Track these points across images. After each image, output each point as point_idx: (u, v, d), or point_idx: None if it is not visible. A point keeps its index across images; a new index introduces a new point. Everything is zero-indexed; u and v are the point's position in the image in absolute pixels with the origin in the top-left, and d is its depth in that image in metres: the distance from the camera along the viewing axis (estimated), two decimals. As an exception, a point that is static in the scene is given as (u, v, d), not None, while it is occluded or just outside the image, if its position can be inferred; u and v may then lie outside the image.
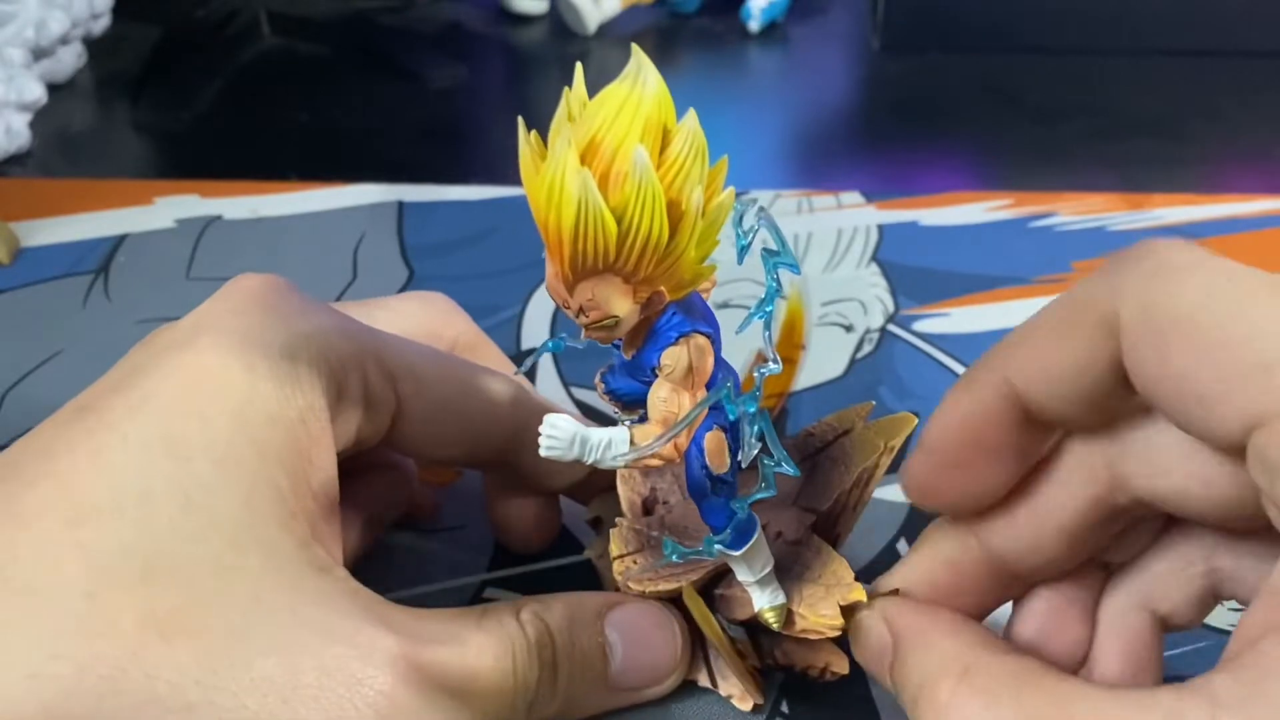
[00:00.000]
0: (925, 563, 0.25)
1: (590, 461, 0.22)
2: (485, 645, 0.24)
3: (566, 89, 0.21)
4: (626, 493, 0.29)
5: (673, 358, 0.22)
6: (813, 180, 0.54)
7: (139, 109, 0.64)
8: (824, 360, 0.41)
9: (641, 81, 0.20)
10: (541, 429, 0.22)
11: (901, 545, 0.34)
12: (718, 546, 0.24)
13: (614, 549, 0.28)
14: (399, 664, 0.23)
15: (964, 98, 0.63)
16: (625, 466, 0.23)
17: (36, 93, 0.59)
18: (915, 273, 0.46)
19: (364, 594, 0.24)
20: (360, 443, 0.27)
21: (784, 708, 0.29)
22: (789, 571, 0.27)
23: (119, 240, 0.49)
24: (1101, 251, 0.47)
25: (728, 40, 0.70)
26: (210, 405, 0.24)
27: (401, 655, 0.23)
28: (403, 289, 0.46)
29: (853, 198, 0.51)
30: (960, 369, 0.41)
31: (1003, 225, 0.49)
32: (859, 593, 0.25)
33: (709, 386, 0.23)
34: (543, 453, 0.22)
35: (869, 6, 0.71)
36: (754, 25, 0.69)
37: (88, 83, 0.65)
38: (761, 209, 0.23)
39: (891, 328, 0.43)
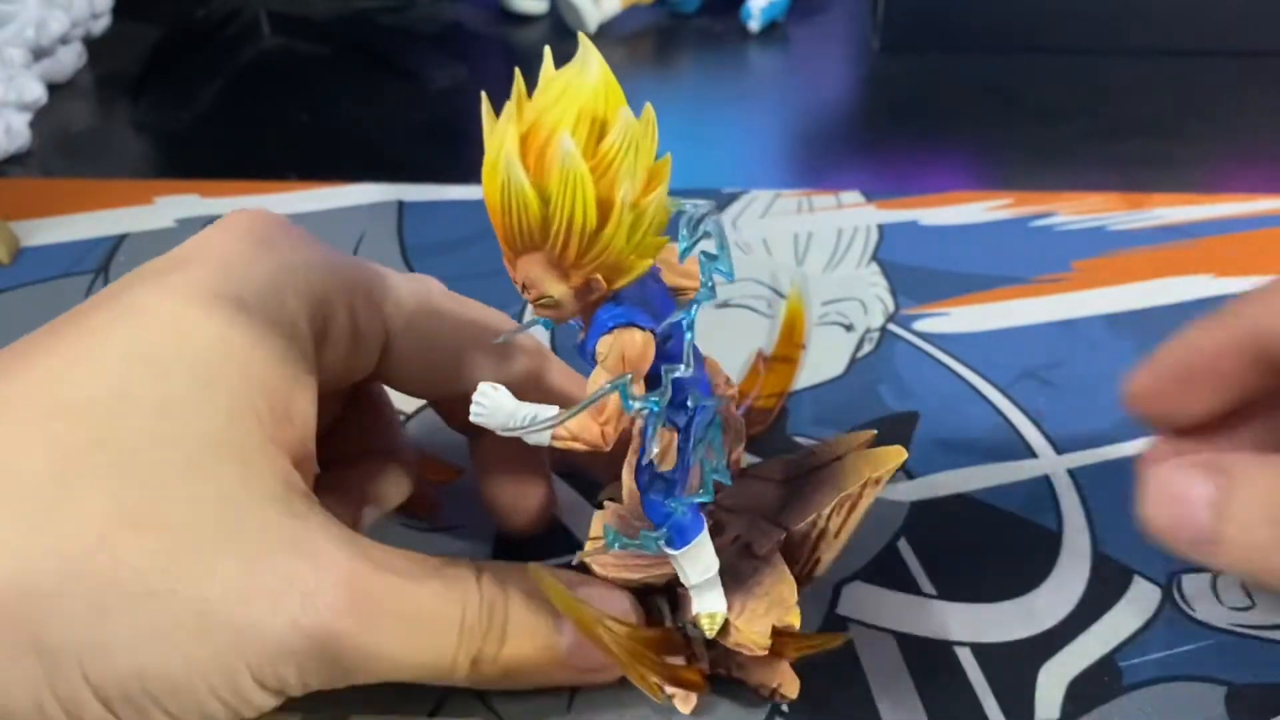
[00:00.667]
0: (1180, 347, 0.24)
1: (516, 433, 0.23)
2: (439, 590, 0.25)
3: (519, 71, 0.21)
4: (628, 480, 0.29)
5: (605, 346, 0.22)
6: (813, 180, 0.54)
7: (139, 109, 0.64)
8: (824, 360, 0.41)
9: (584, 71, 0.21)
10: (474, 395, 0.23)
11: (902, 544, 0.34)
12: (656, 543, 0.25)
13: (592, 529, 0.28)
14: (353, 585, 0.23)
15: (964, 98, 0.63)
16: (548, 444, 0.23)
17: (37, 92, 0.59)
18: (915, 272, 0.46)
19: (334, 522, 0.25)
20: (348, 375, 0.28)
21: (784, 707, 0.29)
22: (742, 584, 0.27)
23: (119, 240, 0.49)
24: (1101, 251, 0.47)
25: (728, 40, 0.70)
26: (195, 329, 0.24)
27: (356, 578, 0.24)
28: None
29: (853, 197, 0.51)
30: (960, 369, 0.41)
31: (1003, 225, 0.49)
32: (795, 616, 0.25)
33: (653, 380, 0.23)
34: (471, 418, 0.23)
35: (869, 6, 0.71)
36: (754, 25, 0.69)
37: (88, 82, 0.65)
38: (711, 215, 0.23)
39: (891, 327, 0.43)
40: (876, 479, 0.26)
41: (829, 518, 0.27)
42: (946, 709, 0.29)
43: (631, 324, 0.22)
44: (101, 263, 0.48)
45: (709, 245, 0.23)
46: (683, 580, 0.26)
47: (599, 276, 0.22)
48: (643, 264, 0.22)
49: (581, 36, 0.21)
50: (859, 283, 0.45)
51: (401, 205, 0.51)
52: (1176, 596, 0.32)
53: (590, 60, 0.21)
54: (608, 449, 0.23)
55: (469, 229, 0.49)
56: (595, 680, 0.28)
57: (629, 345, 0.22)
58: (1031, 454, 0.37)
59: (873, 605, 0.32)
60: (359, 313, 0.27)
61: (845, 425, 0.38)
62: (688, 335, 0.23)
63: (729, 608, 0.27)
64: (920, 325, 0.43)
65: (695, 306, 0.23)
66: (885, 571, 0.33)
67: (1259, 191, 0.52)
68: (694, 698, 0.28)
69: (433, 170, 0.53)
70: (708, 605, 0.26)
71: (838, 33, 0.72)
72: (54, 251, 0.48)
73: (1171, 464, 0.22)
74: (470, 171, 0.55)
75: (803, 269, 0.46)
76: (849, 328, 0.43)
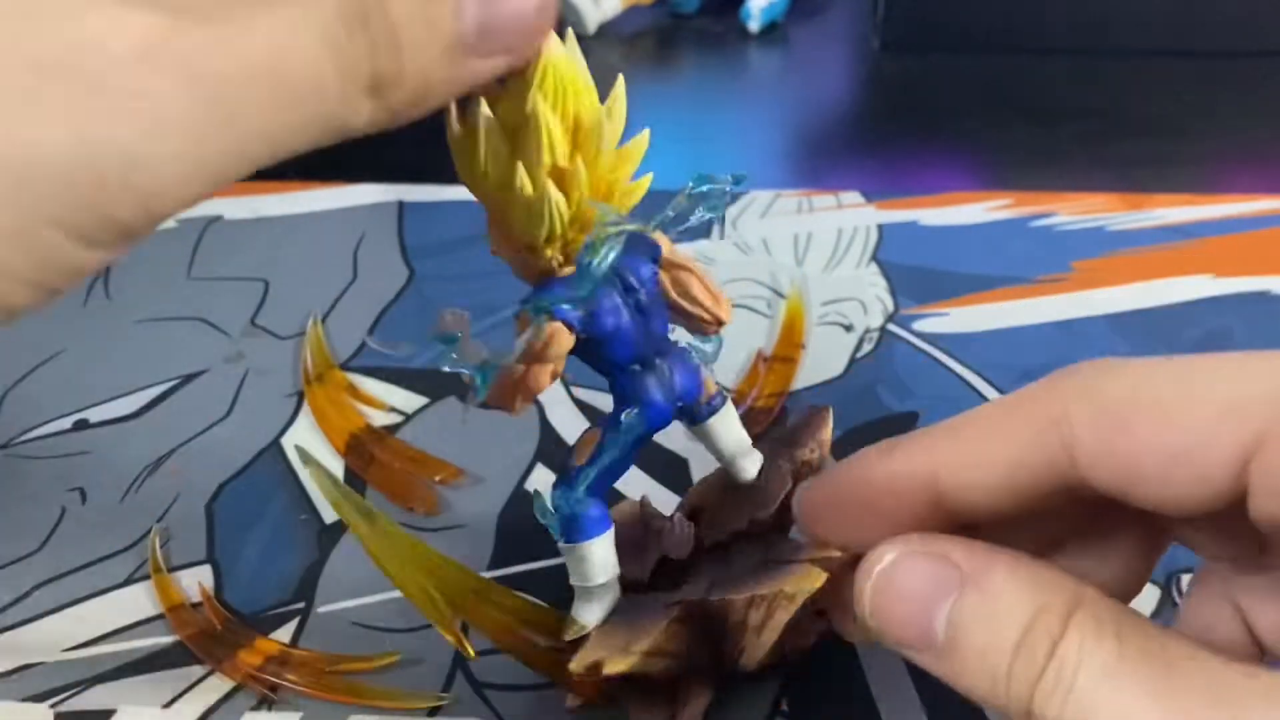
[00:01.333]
0: (849, 473, 0.22)
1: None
2: (277, 26, 0.18)
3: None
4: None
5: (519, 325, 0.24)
6: (813, 180, 0.54)
7: (139, 109, 0.64)
8: (823, 360, 0.41)
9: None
10: None
11: (901, 545, 0.34)
12: (551, 526, 0.26)
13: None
14: (163, 54, 0.17)
15: (964, 98, 0.63)
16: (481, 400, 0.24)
17: (37, 93, 0.59)
18: (915, 272, 0.46)
19: None
20: None
21: (784, 707, 0.29)
22: (633, 624, 0.26)
23: (119, 240, 0.49)
24: (1101, 252, 0.47)
25: (728, 40, 0.70)
26: None
27: (166, 40, 0.17)
28: (403, 289, 0.46)
29: (853, 197, 0.51)
30: (960, 369, 0.41)
31: (1003, 225, 0.49)
32: (622, 665, 0.25)
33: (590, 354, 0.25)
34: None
35: (869, 6, 0.71)
36: (754, 25, 0.70)
37: (88, 83, 0.65)
38: (614, 244, 0.23)
39: (891, 327, 0.43)
40: (790, 594, 0.25)
41: (746, 610, 0.26)
42: (946, 709, 0.29)
43: (531, 304, 0.23)
44: (102, 263, 0.48)
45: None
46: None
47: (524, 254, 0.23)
48: (538, 255, 0.23)
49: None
50: (859, 283, 0.45)
51: (402, 205, 0.51)
52: (1175, 596, 0.32)
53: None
54: (514, 413, 0.24)
55: (469, 229, 0.49)
56: (506, 67, 0.21)
57: (521, 324, 0.24)
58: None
59: (872, 605, 0.32)
60: None
61: (845, 425, 0.38)
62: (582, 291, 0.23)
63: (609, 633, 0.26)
64: (920, 325, 0.43)
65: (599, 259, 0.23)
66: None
67: (1259, 191, 0.52)
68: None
69: (433, 170, 0.53)
70: (578, 611, 0.27)
71: (838, 33, 0.72)
72: (54, 252, 0.48)
73: (898, 547, 0.20)
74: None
75: (802, 269, 0.46)
76: (849, 328, 0.43)
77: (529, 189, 0.22)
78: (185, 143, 0.18)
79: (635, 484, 0.36)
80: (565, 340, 0.24)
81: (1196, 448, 0.18)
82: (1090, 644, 0.17)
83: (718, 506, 0.30)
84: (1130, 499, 0.19)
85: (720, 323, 0.26)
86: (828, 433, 0.29)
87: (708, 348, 0.27)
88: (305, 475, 0.37)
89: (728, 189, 0.24)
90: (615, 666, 0.25)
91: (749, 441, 0.28)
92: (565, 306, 0.23)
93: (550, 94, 0.22)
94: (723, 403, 0.27)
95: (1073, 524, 0.22)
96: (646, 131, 0.24)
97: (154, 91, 0.17)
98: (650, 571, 0.29)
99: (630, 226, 0.23)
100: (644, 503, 0.31)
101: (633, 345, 0.25)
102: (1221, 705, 0.16)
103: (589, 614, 0.27)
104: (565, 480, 0.26)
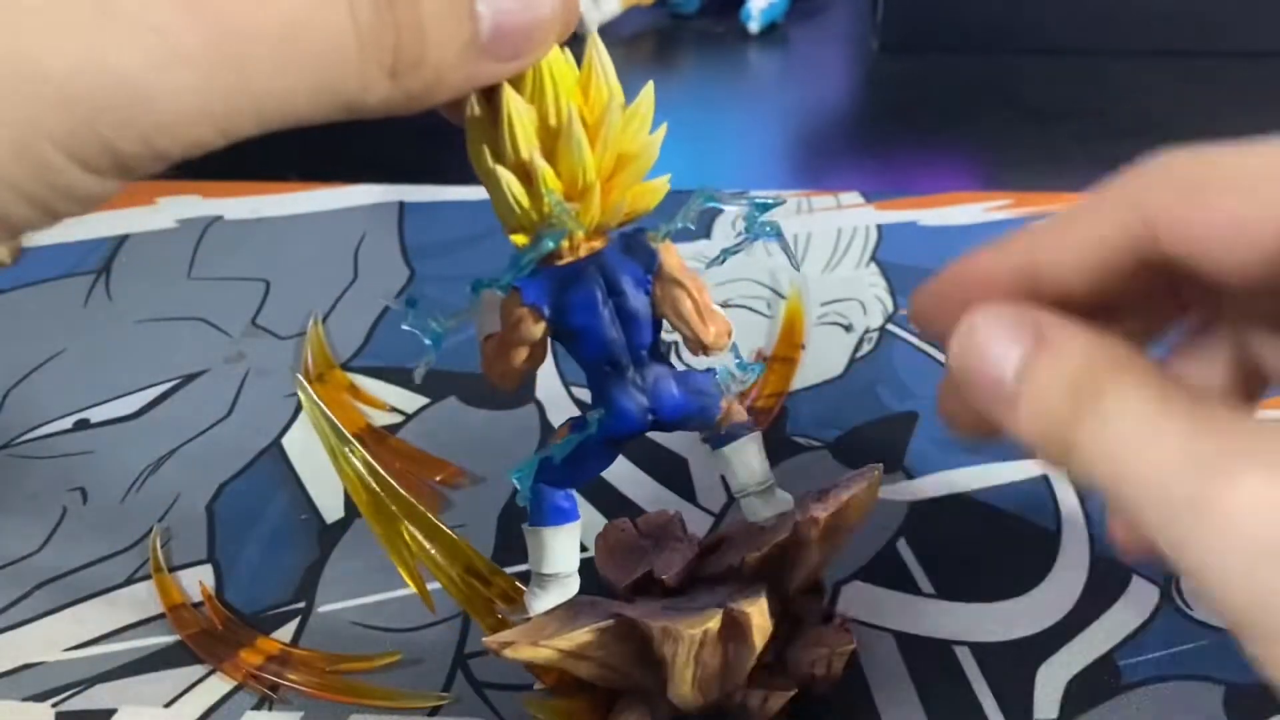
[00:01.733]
0: (959, 269, 0.24)
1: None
2: None
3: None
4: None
5: None
6: (812, 180, 0.54)
7: (140, 109, 0.64)
8: (823, 360, 0.41)
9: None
10: None
11: (901, 544, 0.34)
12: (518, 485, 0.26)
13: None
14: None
15: (964, 98, 0.63)
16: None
17: (38, 93, 0.59)
18: (915, 273, 0.46)
19: None
20: None
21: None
22: (568, 620, 0.26)
23: (120, 240, 0.49)
24: (1101, 251, 0.47)
25: (728, 41, 0.70)
26: None
27: None
28: (403, 289, 0.46)
29: (852, 198, 0.51)
30: (960, 369, 0.41)
31: (1002, 225, 0.49)
32: (521, 654, 0.25)
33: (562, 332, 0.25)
34: None
35: (869, 7, 0.71)
36: (754, 26, 0.70)
37: (89, 83, 0.65)
38: (540, 244, 0.24)
39: (891, 327, 0.43)
40: (676, 634, 0.25)
41: (662, 641, 0.26)
42: (945, 708, 0.29)
43: (476, 285, 0.24)
44: (103, 263, 0.48)
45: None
46: None
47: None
48: (522, 239, 0.24)
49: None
50: (858, 283, 0.45)
51: (402, 205, 0.51)
52: (1175, 595, 0.32)
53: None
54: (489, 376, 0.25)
55: (470, 229, 0.49)
56: (522, 67, 0.22)
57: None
58: (1030, 454, 0.37)
59: (872, 605, 0.32)
60: None
61: (845, 425, 0.38)
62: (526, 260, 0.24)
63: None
64: (920, 325, 0.43)
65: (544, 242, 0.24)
66: (884, 571, 0.33)
67: (1258, 192, 0.52)
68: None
69: (434, 171, 0.54)
70: (528, 596, 0.27)
71: (837, 33, 0.72)
72: (56, 252, 0.49)
73: (987, 312, 0.21)
74: (471, 172, 0.55)
75: (802, 270, 0.46)
76: (848, 328, 0.43)
77: (493, 176, 0.23)
78: (193, 80, 0.17)
79: (637, 483, 0.36)
80: (530, 325, 0.24)
81: (1254, 217, 0.19)
82: (1134, 394, 0.18)
83: (732, 540, 0.29)
84: (1201, 269, 0.20)
85: (704, 346, 0.25)
86: (864, 495, 0.28)
87: (744, 375, 0.26)
88: (306, 473, 0.37)
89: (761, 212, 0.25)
90: (520, 653, 0.25)
91: (766, 480, 0.27)
92: (534, 291, 0.24)
93: (529, 89, 0.23)
94: (744, 433, 0.27)
95: (1156, 315, 0.24)
96: (663, 128, 0.24)
97: (167, 26, 0.17)
98: (633, 583, 0.29)
99: (569, 226, 0.23)
100: (675, 519, 0.31)
101: (603, 346, 0.25)
102: (1260, 454, 0.17)
103: (535, 601, 0.27)
104: (528, 461, 0.26)
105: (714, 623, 0.25)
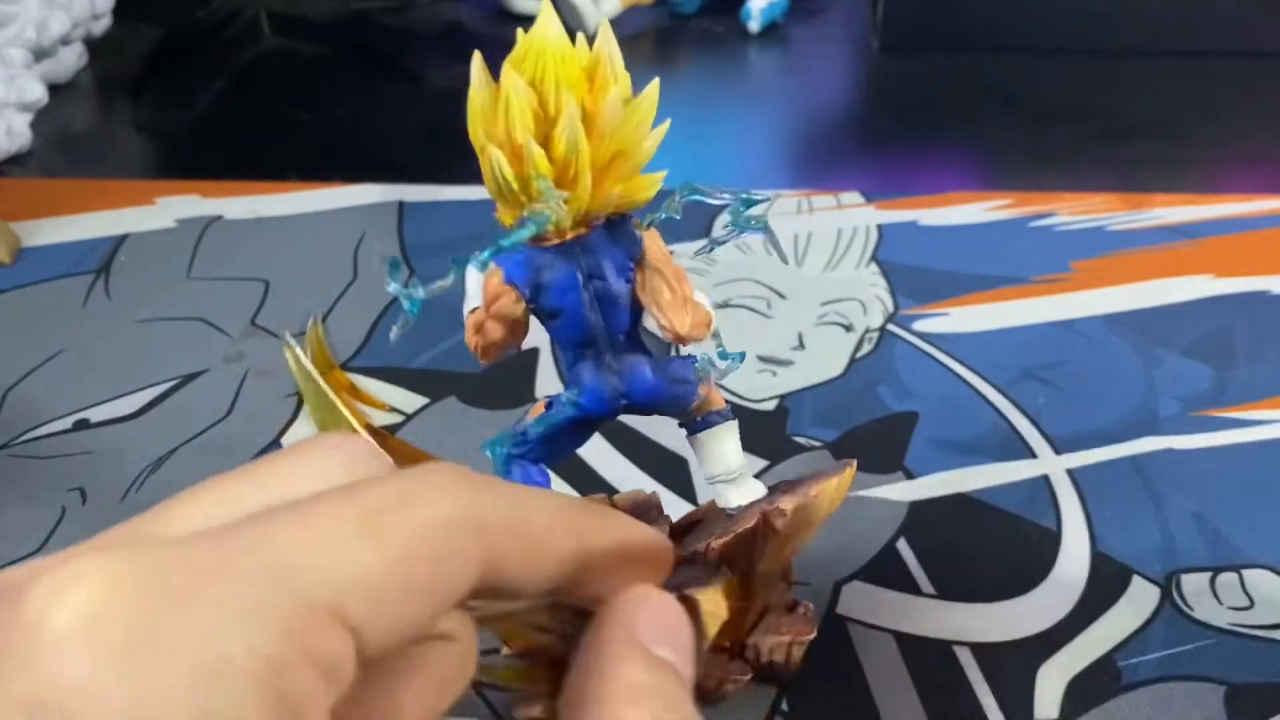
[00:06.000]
0: None
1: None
2: None
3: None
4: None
5: None
6: (813, 180, 0.54)
7: (140, 109, 0.64)
8: (823, 360, 0.41)
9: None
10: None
11: (901, 544, 0.34)
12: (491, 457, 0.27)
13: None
14: None
15: (964, 98, 0.63)
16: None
17: (38, 93, 0.59)
18: (915, 273, 0.46)
19: None
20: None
21: (784, 706, 0.29)
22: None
23: (120, 240, 0.49)
24: (1101, 252, 0.47)
25: (728, 40, 0.70)
26: None
27: None
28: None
29: (852, 198, 0.51)
30: (960, 369, 0.41)
31: (1002, 225, 0.49)
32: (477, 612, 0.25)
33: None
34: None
35: (869, 7, 0.71)
36: (754, 26, 0.70)
37: (89, 83, 0.65)
38: (523, 228, 0.24)
39: (891, 327, 0.43)
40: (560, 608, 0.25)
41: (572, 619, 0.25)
42: (946, 708, 0.29)
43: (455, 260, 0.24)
44: (102, 263, 0.48)
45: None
46: None
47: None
48: (507, 216, 0.25)
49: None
50: (858, 283, 0.45)
51: (402, 205, 0.51)
52: (1175, 596, 0.32)
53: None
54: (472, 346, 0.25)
55: (470, 229, 0.49)
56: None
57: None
58: (1031, 454, 0.37)
59: (872, 605, 0.32)
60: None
61: (845, 425, 0.38)
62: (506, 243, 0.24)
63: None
64: (920, 325, 0.43)
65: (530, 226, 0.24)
66: (885, 571, 0.33)
67: (1258, 191, 0.52)
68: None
69: (433, 170, 0.54)
70: None
71: (837, 33, 0.72)
72: (55, 252, 0.49)
73: None
74: (471, 172, 0.55)
75: (802, 269, 0.46)
76: (848, 328, 0.43)
77: (485, 152, 0.24)
78: None
79: (638, 483, 0.36)
80: (509, 302, 0.25)
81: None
82: None
83: (703, 525, 0.30)
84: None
85: (678, 337, 0.25)
86: (834, 489, 0.27)
87: (722, 364, 0.26)
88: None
89: (745, 206, 0.25)
90: (476, 612, 0.25)
91: (739, 469, 0.27)
92: (515, 270, 0.25)
93: (529, 72, 0.23)
94: (719, 421, 0.27)
95: None
96: (665, 125, 0.25)
97: None
98: None
99: (553, 213, 0.23)
100: (653, 500, 0.31)
101: (580, 328, 0.25)
102: None
103: None
104: (501, 434, 0.27)
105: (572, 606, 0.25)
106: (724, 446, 0.27)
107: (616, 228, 0.25)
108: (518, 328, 0.25)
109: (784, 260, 0.46)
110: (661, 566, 0.20)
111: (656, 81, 0.24)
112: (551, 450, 0.27)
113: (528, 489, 0.20)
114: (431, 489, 0.17)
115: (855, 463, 0.28)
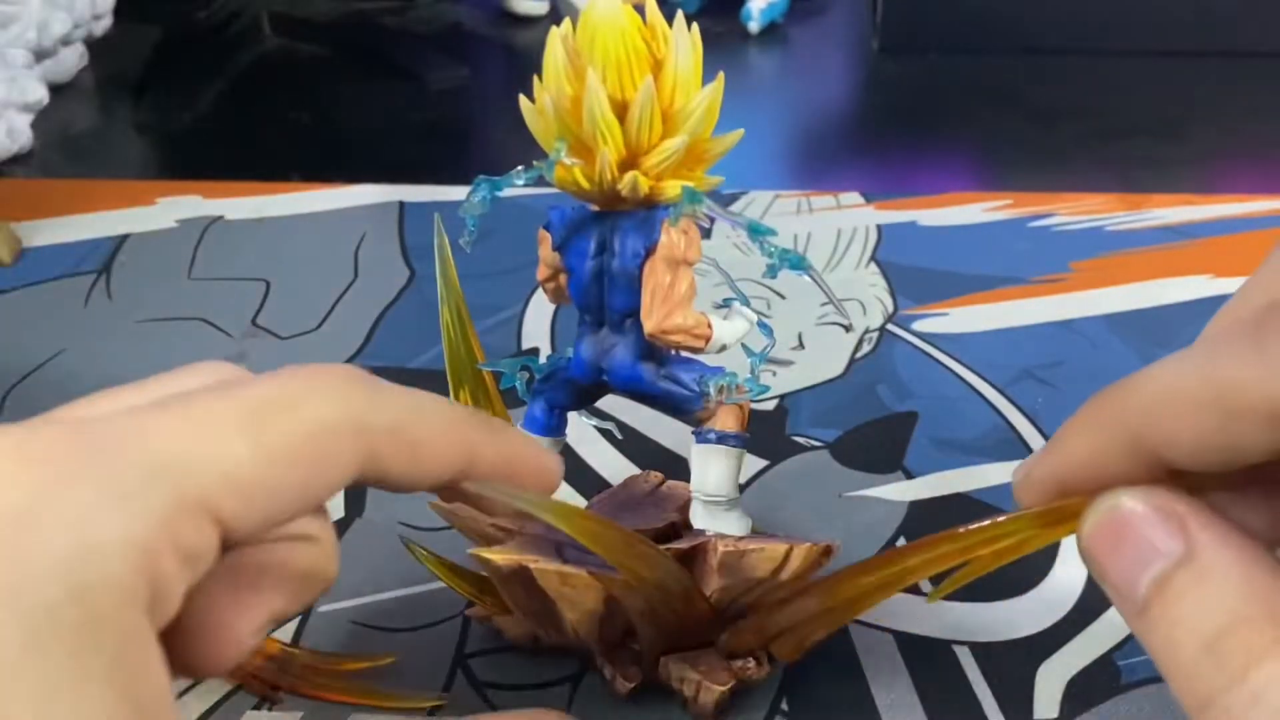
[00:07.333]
0: (1054, 458, 0.21)
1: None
2: None
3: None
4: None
5: None
6: (812, 180, 0.54)
7: (141, 109, 0.64)
8: (824, 360, 0.41)
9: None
10: None
11: (901, 544, 0.34)
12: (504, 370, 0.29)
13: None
14: None
15: (964, 98, 0.63)
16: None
17: (38, 93, 0.59)
18: (914, 273, 0.46)
19: None
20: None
21: (784, 705, 0.29)
22: (534, 545, 0.27)
23: (121, 240, 0.49)
24: (1100, 252, 0.47)
25: (728, 40, 0.70)
26: None
27: None
28: (404, 289, 0.46)
29: (852, 198, 0.51)
30: (960, 369, 0.41)
31: (1001, 225, 0.49)
32: (494, 555, 0.26)
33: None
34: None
35: (869, 7, 0.71)
36: (754, 26, 0.70)
37: (89, 83, 0.66)
38: (519, 174, 0.27)
39: (891, 327, 0.43)
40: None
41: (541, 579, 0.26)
42: (945, 708, 0.29)
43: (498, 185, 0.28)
44: (103, 263, 0.48)
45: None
46: None
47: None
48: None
49: None
50: (858, 283, 0.46)
51: (403, 206, 0.51)
52: (1175, 596, 0.32)
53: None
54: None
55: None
56: None
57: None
58: (1030, 453, 0.37)
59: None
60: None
61: (845, 425, 0.38)
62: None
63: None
64: (919, 325, 0.43)
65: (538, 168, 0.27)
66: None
67: (1258, 191, 0.52)
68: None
69: (434, 171, 0.54)
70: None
71: (837, 34, 0.72)
72: (56, 252, 0.49)
73: (1131, 495, 0.18)
74: (471, 172, 0.55)
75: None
76: (848, 328, 0.43)
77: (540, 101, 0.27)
78: None
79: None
80: (545, 246, 0.28)
81: None
82: None
83: (658, 501, 0.30)
84: None
85: (649, 332, 0.26)
86: (770, 554, 0.26)
87: (729, 382, 0.27)
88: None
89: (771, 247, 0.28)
90: (494, 555, 0.26)
91: (722, 497, 0.27)
92: (556, 218, 0.28)
93: (600, 61, 0.27)
94: (716, 441, 0.27)
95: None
96: (740, 133, 0.28)
97: None
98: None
99: (542, 170, 0.26)
100: (657, 478, 0.32)
101: (579, 293, 0.27)
102: None
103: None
104: (511, 360, 0.29)
105: (563, 570, 0.26)
106: (709, 467, 0.27)
107: (645, 215, 0.26)
108: (557, 274, 0.28)
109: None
110: (546, 484, 0.22)
111: (721, 76, 0.26)
112: (551, 397, 0.29)
113: (423, 395, 0.20)
114: (315, 391, 0.18)
115: (838, 544, 0.27)
